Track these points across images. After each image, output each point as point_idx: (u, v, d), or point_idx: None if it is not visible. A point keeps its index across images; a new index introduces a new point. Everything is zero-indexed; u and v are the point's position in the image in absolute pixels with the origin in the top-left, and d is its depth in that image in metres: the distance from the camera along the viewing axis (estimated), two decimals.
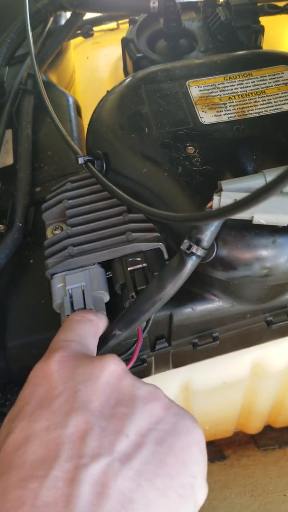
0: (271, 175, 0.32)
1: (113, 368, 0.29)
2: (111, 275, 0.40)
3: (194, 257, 0.33)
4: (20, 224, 0.46)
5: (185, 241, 0.33)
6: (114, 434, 0.26)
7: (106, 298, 0.39)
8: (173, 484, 0.26)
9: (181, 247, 0.33)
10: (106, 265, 0.40)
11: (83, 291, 0.38)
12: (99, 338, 0.35)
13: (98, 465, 0.24)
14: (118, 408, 0.27)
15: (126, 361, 0.36)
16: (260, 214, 0.32)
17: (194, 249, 0.33)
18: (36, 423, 0.26)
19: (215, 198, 0.32)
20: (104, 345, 0.35)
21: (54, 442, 0.25)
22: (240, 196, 0.31)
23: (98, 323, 0.35)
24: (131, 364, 0.36)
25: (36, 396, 0.28)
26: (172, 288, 0.34)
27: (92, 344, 0.33)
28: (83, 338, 0.32)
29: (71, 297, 0.38)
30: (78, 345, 0.31)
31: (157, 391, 0.29)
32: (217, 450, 0.83)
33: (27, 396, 0.28)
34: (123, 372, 0.29)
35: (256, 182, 0.32)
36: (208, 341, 0.48)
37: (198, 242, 0.33)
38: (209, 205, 0.33)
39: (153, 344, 0.46)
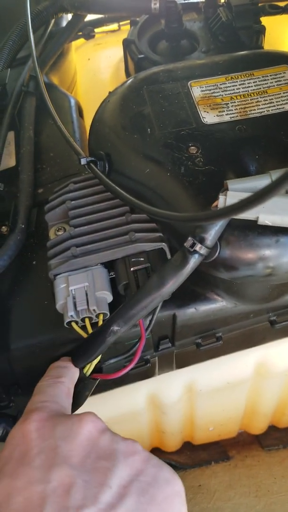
0: (277, 175, 0.32)
1: (92, 425, 0.30)
2: (114, 276, 0.40)
3: (196, 255, 0.33)
4: (23, 226, 0.46)
5: (189, 238, 0.33)
6: (97, 486, 0.26)
7: (109, 298, 0.39)
8: None
9: (185, 244, 0.33)
10: (109, 265, 0.40)
11: (86, 291, 0.38)
12: (96, 333, 0.36)
13: None
14: (99, 462, 0.28)
15: (129, 361, 0.36)
16: (265, 215, 0.32)
17: (197, 247, 0.33)
18: (17, 480, 0.26)
19: (221, 197, 0.32)
20: (103, 341, 0.35)
21: (38, 496, 0.25)
22: (245, 196, 0.31)
23: (68, 383, 0.35)
24: (133, 364, 0.36)
25: (15, 455, 0.28)
26: (172, 285, 0.34)
27: (67, 403, 0.34)
28: (57, 398, 0.33)
29: (74, 297, 0.38)
30: (54, 405, 0.32)
31: (135, 445, 0.30)
32: (222, 450, 0.82)
33: (6, 456, 0.28)
34: (101, 428, 0.30)
35: (262, 182, 0.32)
36: (212, 341, 0.47)
37: (201, 241, 0.33)
38: (214, 204, 0.33)
39: (157, 345, 0.46)
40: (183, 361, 0.51)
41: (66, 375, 0.35)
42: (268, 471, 0.78)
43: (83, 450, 0.28)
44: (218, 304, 0.43)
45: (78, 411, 0.38)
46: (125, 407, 0.57)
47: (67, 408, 0.33)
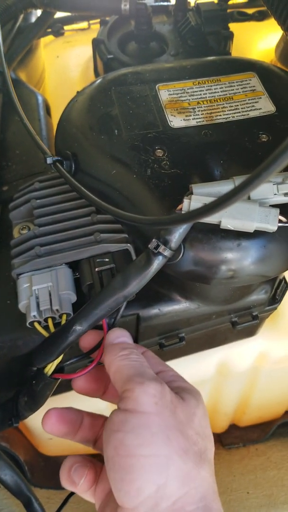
0: (240, 181, 0.33)
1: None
2: (78, 276, 0.40)
3: (160, 257, 0.33)
4: None
5: (153, 240, 0.33)
6: None
7: (73, 298, 0.39)
8: None
9: (149, 246, 0.33)
10: (74, 265, 0.40)
11: (49, 291, 0.38)
12: (57, 332, 0.36)
13: None
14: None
15: (90, 362, 0.36)
16: (228, 219, 0.33)
17: (161, 249, 0.33)
18: None
19: (185, 201, 0.33)
20: (64, 340, 0.35)
21: None
22: (209, 200, 0.31)
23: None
24: (95, 364, 0.36)
25: None
26: (136, 285, 0.34)
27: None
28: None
29: (37, 297, 0.38)
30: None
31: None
32: None
33: None
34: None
35: (226, 187, 0.33)
36: (175, 342, 0.48)
37: (166, 243, 0.33)
38: (179, 207, 0.33)
39: None
40: None
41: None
42: (228, 469, 0.80)
43: None
44: (181, 305, 0.44)
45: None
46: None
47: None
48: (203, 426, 0.33)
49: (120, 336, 0.36)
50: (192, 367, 0.58)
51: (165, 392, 0.32)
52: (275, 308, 0.51)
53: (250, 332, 0.54)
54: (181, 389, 0.35)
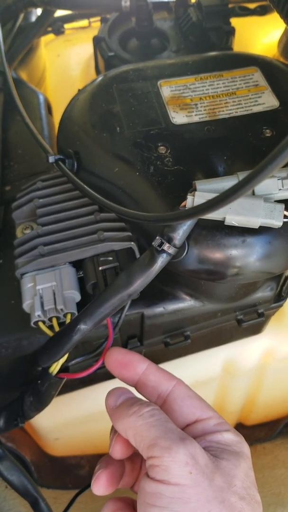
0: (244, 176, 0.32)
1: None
2: (82, 275, 0.39)
3: (164, 255, 0.33)
4: None
5: (157, 238, 0.33)
6: None
7: (77, 297, 0.39)
8: None
9: (153, 243, 0.33)
10: (77, 264, 0.40)
11: (53, 291, 0.38)
12: (62, 332, 0.35)
13: None
14: None
15: (95, 361, 0.36)
16: (232, 216, 0.32)
17: (165, 246, 0.33)
18: None
19: (189, 197, 0.33)
20: (69, 339, 0.34)
21: None
22: (213, 196, 0.31)
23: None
24: (100, 363, 0.36)
25: None
26: (140, 284, 0.34)
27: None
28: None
29: (41, 297, 0.37)
30: None
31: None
32: None
33: None
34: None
35: (230, 183, 0.33)
36: (180, 340, 0.48)
37: (169, 240, 0.33)
38: (182, 204, 0.33)
39: (125, 344, 0.46)
40: (152, 360, 0.51)
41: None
42: None
43: None
44: (186, 303, 0.43)
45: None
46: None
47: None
48: (246, 487, 0.30)
49: (120, 395, 0.33)
50: (197, 366, 0.57)
51: (197, 455, 0.29)
52: (281, 305, 0.51)
53: (256, 329, 0.54)
54: (220, 449, 0.31)
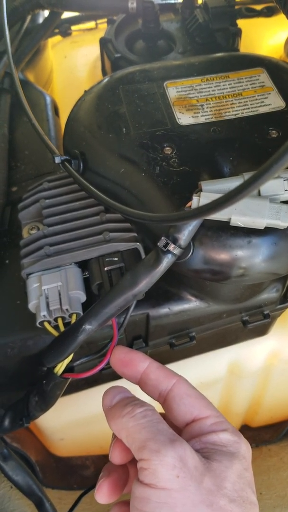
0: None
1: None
2: (88, 275, 0.40)
3: (170, 255, 0.33)
4: None
5: (162, 238, 0.33)
6: None
7: (83, 298, 0.39)
8: None
9: (158, 244, 0.33)
10: (83, 265, 0.40)
11: (59, 291, 0.38)
12: (67, 332, 0.35)
13: None
14: None
15: (100, 361, 0.36)
16: (238, 216, 0.32)
17: (170, 247, 0.33)
18: None
19: (195, 198, 0.33)
20: (74, 339, 0.34)
21: None
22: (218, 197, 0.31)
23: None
24: (104, 363, 0.36)
25: None
26: (145, 284, 0.34)
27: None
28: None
29: (47, 297, 0.38)
30: None
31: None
32: None
33: None
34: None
35: (236, 183, 0.33)
36: (185, 341, 0.48)
37: (175, 241, 0.33)
38: (188, 204, 0.33)
39: (130, 344, 0.46)
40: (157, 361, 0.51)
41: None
42: None
43: None
44: (191, 304, 0.43)
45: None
46: None
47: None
48: (238, 489, 0.28)
49: (115, 394, 0.33)
50: (203, 367, 0.57)
51: (186, 458, 0.28)
52: (287, 307, 0.51)
53: (262, 331, 0.54)
54: (213, 450, 0.30)
